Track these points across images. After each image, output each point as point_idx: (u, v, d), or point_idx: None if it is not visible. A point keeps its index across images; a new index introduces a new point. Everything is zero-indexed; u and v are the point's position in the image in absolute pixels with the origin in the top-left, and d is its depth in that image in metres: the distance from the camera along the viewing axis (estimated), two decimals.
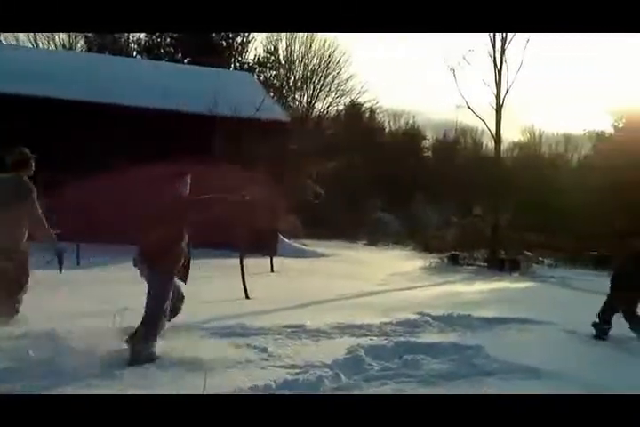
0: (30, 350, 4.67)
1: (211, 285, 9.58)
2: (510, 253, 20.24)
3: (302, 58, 38.79)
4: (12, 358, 4.59)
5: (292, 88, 39.09)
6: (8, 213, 5.64)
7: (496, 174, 22.11)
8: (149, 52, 33.78)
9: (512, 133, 51.27)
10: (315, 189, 21.63)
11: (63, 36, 34.29)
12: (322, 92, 39.31)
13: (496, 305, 9.97)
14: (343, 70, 38.92)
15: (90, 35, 33.09)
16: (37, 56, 21.63)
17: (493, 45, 20.04)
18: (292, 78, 39.17)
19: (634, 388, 4.63)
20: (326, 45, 38.25)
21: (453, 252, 20.62)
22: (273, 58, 38.27)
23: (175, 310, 5.31)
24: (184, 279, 5.37)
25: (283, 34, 37.42)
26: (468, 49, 20.11)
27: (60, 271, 6.04)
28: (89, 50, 33.05)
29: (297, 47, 38.63)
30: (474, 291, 12.87)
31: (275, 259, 13.75)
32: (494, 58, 20.14)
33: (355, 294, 10.33)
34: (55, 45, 34.60)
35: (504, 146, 30.40)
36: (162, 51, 34.02)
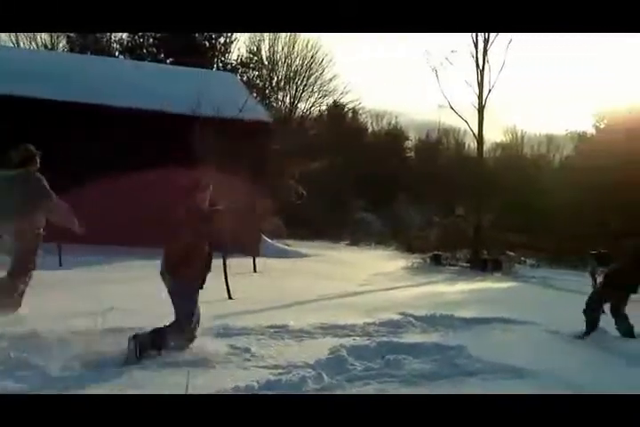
0: (11, 352, 4.62)
1: None
2: (493, 253, 20.37)
3: (285, 58, 38.91)
4: None
5: (275, 88, 39.11)
6: (25, 206, 5.95)
7: (478, 175, 22.24)
8: (132, 52, 33.55)
9: (494, 134, 51.75)
10: (297, 189, 21.59)
11: (45, 35, 34.08)
12: (305, 93, 39.49)
13: (478, 305, 10.02)
14: (326, 71, 39.15)
15: (72, 35, 32.82)
16: (16, 55, 21.39)
17: (476, 46, 20.20)
18: (275, 79, 39.24)
19: (615, 388, 4.67)
20: (309, 46, 38.45)
21: (436, 252, 20.70)
22: (256, 58, 38.23)
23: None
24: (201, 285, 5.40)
25: (265, 34, 37.42)
26: (450, 50, 20.26)
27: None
28: (71, 50, 32.78)
29: (280, 48, 38.76)
30: (456, 291, 12.94)
31: (257, 259, 13.71)
32: (476, 58, 20.30)
33: (337, 295, 10.35)
34: (37, 45, 34.35)
35: (486, 146, 30.58)
36: (144, 51, 33.82)
